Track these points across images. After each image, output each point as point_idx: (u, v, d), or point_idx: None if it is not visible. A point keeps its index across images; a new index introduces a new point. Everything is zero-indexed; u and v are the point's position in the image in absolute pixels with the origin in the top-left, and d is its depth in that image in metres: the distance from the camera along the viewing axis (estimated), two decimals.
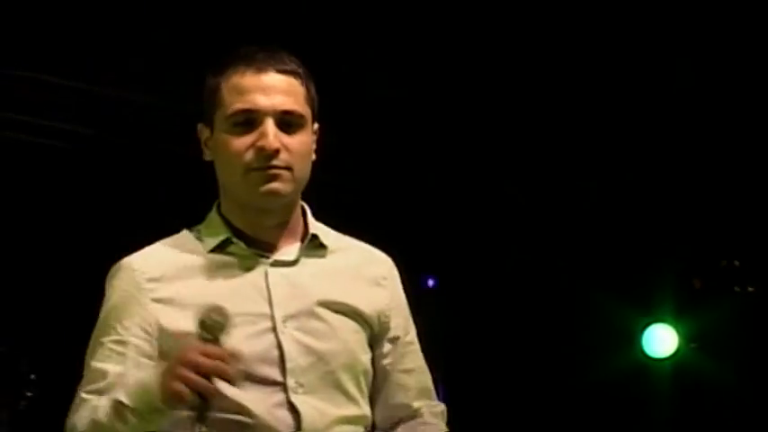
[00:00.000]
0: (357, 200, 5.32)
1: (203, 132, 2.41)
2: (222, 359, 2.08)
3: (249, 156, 2.32)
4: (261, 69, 2.35)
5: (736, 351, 5.67)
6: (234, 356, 2.12)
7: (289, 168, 2.33)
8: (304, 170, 2.37)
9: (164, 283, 2.32)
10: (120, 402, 2.16)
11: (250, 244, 2.36)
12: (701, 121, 5.26)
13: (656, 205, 5.66)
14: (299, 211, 2.43)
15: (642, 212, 5.68)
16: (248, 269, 2.34)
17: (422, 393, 2.45)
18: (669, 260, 5.81)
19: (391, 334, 2.43)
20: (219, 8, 4.62)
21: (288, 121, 2.35)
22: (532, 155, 5.51)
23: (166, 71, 4.79)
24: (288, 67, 2.37)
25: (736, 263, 5.81)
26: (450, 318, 5.60)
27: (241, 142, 2.33)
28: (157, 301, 2.31)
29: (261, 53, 2.37)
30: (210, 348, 2.09)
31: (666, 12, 4.70)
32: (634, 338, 5.83)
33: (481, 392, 5.73)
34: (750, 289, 5.79)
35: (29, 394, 5.23)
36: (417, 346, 2.48)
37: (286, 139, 2.33)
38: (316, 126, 2.42)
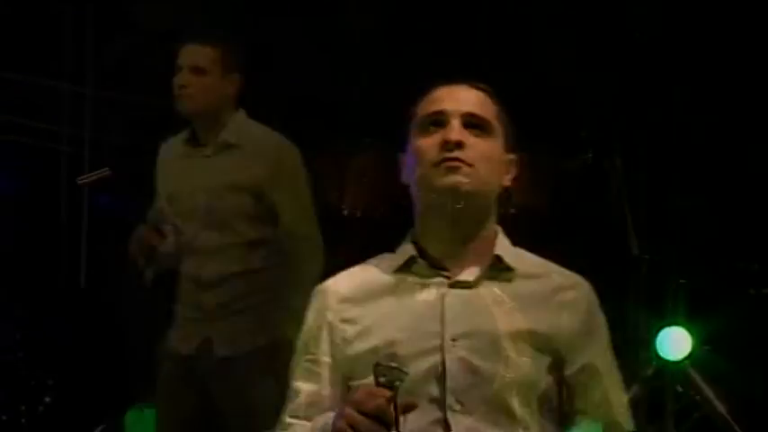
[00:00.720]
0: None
1: (402, 159, 2.52)
2: (388, 400, 2.13)
3: (434, 151, 2.41)
4: (454, 83, 2.50)
5: (751, 354, 5.65)
6: (406, 404, 2.16)
7: (471, 165, 2.39)
8: (489, 175, 2.44)
9: (352, 304, 2.43)
10: None
11: (434, 264, 2.44)
12: (721, 119, 5.25)
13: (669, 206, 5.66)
14: (489, 232, 2.49)
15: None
16: (427, 288, 2.41)
17: (606, 427, 2.42)
18: (683, 262, 5.80)
19: (579, 359, 2.42)
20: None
21: (475, 123, 2.45)
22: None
23: None
24: (481, 85, 2.51)
25: (756, 266, 5.80)
26: None
27: (428, 140, 2.44)
28: (344, 321, 2.41)
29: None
30: (377, 390, 2.15)
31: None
32: (648, 341, 5.82)
33: None
34: (765, 291, 5.77)
35: (47, 399, 5.29)
36: (608, 379, 2.46)
37: (472, 139, 2.42)
38: (511, 156, 2.50)
